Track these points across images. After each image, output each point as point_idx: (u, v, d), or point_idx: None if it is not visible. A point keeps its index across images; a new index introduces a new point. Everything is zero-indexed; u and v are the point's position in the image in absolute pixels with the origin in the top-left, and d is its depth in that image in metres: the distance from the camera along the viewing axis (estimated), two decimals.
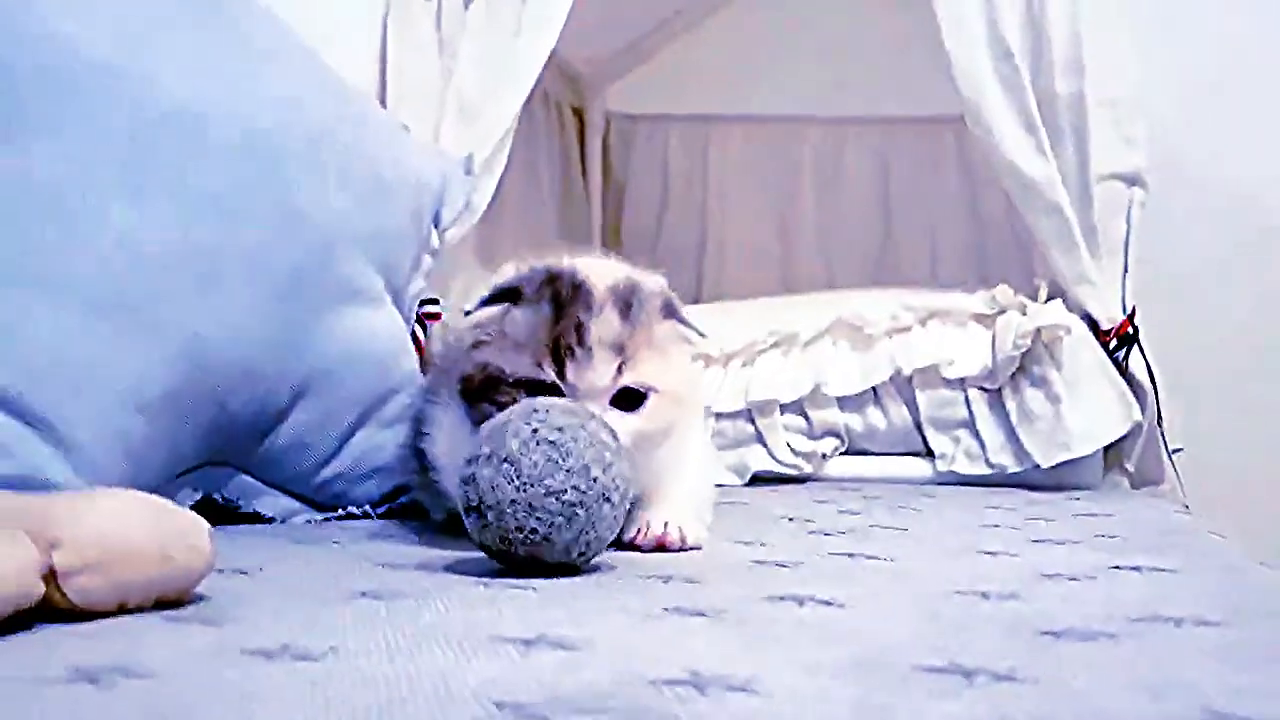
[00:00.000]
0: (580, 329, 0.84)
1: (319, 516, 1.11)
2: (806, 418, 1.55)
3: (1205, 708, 0.43)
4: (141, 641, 0.55)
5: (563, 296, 0.85)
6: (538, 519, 0.73)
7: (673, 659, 0.51)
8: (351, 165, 1.16)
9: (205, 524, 0.66)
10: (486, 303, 0.89)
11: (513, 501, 0.74)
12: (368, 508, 1.14)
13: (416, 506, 1.14)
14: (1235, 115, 2.10)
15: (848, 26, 2.25)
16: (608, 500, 0.75)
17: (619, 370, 0.85)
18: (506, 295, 0.88)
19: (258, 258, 1.00)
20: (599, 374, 0.84)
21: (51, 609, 0.59)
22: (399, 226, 1.27)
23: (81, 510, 0.60)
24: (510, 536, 0.74)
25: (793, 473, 1.54)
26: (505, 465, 0.74)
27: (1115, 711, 0.44)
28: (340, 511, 1.12)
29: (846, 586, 0.71)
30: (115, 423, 0.89)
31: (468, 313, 0.90)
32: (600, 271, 0.89)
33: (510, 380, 0.85)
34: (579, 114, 2.44)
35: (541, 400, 0.80)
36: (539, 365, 0.84)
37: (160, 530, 0.62)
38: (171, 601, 0.63)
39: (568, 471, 0.74)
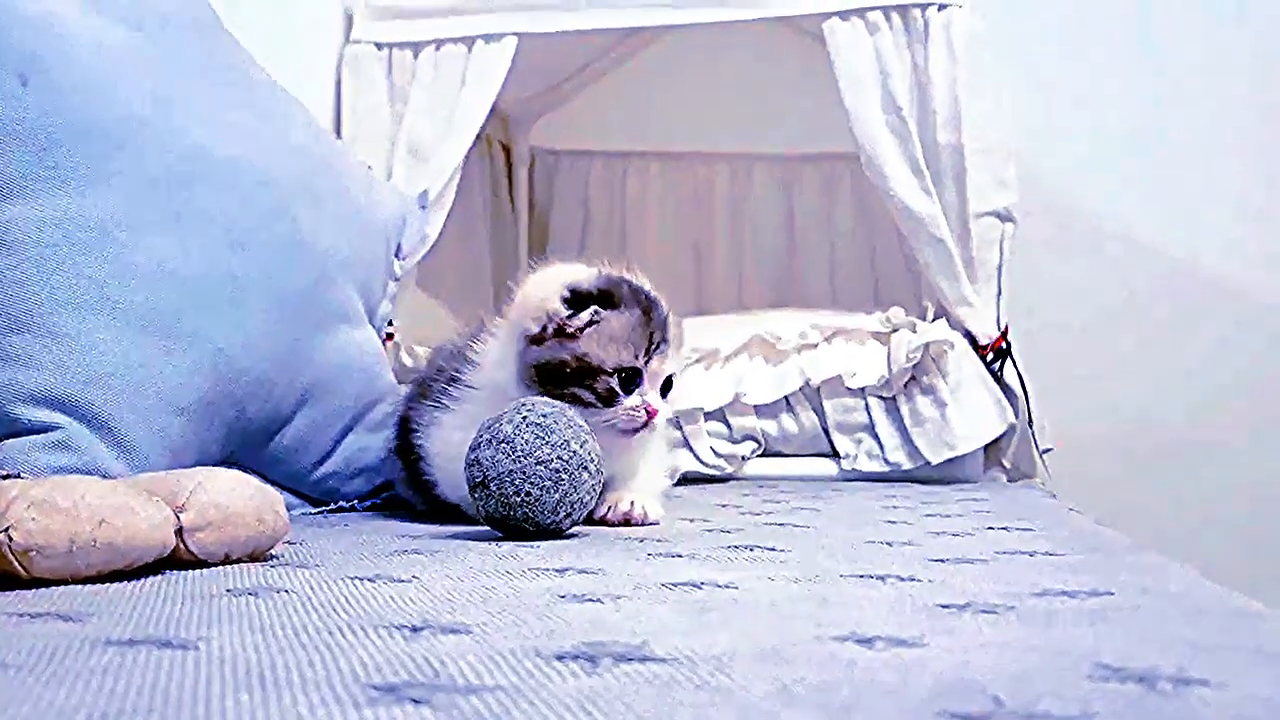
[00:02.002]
0: (664, 329, 1.06)
1: (313, 510, 1.27)
2: (727, 424, 1.70)
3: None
4: (266, 576, 0.71)
5: (644, 304, 1.06)
6: (531, 483, 0.91)
7: (672, 576, 0.70)
8: (340, 202, 1.33)
9: (282, 498, 0.83)
10: (576, 302, 1.04)
11: (510, 471, 0.92)
12: (355, 502, 1.30)
13: (396, 500, 1.31)
14: (1096, 161, 2.40)
15: (753, 72, 2.39)
16: (585, 469, 0.94)
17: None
18: (599, 299, 1.05)
19: (272, 283, 1.16)
20: (668, 363, 1.07)
21: (172, 560, 0.75)
22: (374, 256, 1.43)
23: (201, 482, 0.76)
24: (510, 500, 0.92)
25: (716, 473, 1.68)
26: (503, 445, 0.93)
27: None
28: (332, 505, 1.28)
29: (783, 540, 0.91)
30: (160, 424, 1.04)
31: (570, 315, 1.04)
32: (648, 286, 1.10)
33: (609, 369, 1.03)
34: (506, 149, 2.56)
35: (527, 399, 0.99)
36: (636, 356, 1.04)
37: (255, 501, 0.79)
38: (259, 557, 0.80)
39: (552, 445, 0.92)
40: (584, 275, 1.08)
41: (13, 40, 0.99)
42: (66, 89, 1.02)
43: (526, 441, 0.92)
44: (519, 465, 0.91)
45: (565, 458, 0.92)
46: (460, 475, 0.97)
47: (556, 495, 0.92)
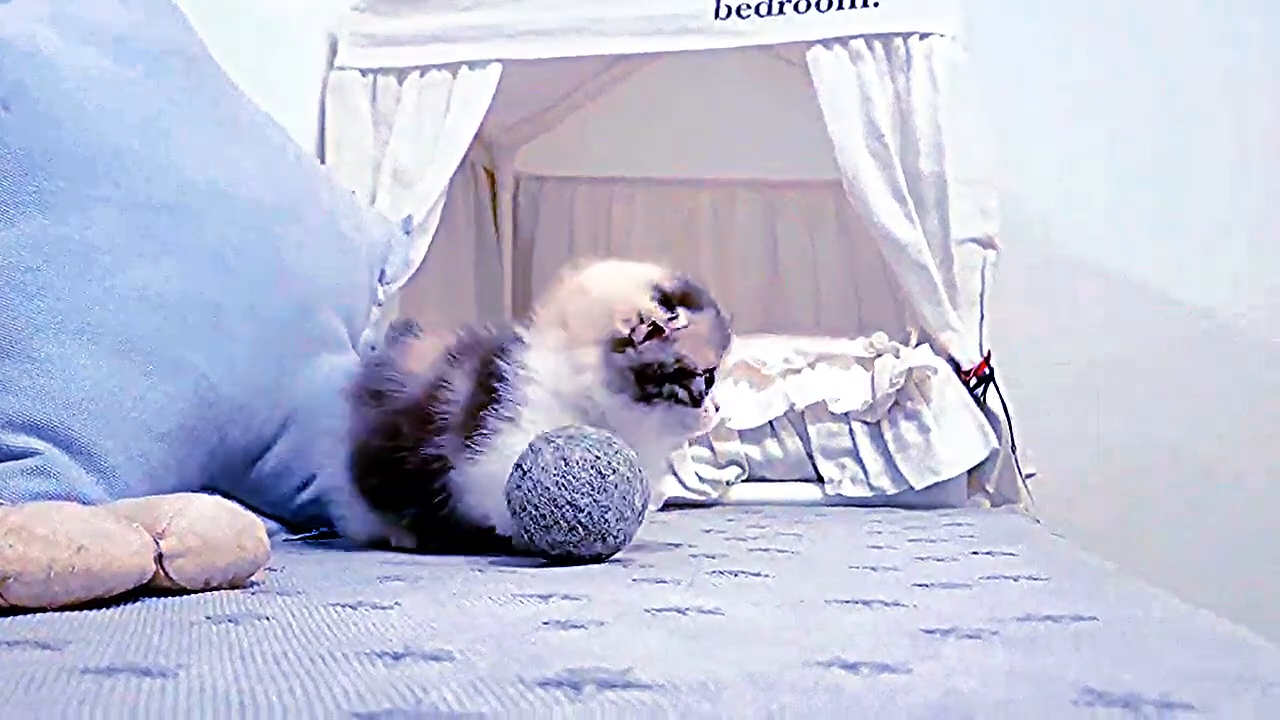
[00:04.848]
0: (729, 329, 1.06)
1: (295, 536, 1.26)
2: (712, 449, 1.71)
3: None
4: (246, 603, 0.71)
5: (715, 305, 1.05)
6: (609, 498, 0.91)
7: (657, 602, 0.69)
8: (324, 228, 1.33)
9: (263, 524, 0.82)
10: (664, 302, 1.01)
11: (610, 482, 0.91)
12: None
13: None
14: (1082, 190, 2.43)
15: (738, 99, 2.41)
16: (624, 513, 0.93)
17: None
18: (681, 300, 1.02)
19: (255, 309, 1.16)
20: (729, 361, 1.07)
21: (151, 587, 0.74)
22: (358, 281, 1.43)
23: (180, 509, 0.75)
24: (578, 487, 0.91)
25: (701, 498, 1.68)
26: (630, 460, 0.94)
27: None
28: (313, 531, 1.28)
29: (767, 566, 0.91)
30: (139, 450, 1.03)
31: (671, 317, 1.01)
32: None
33: (700, 371, 1.02)
34: (491, 175, 2.57)
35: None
36: (717, 356, 1.03)
37: (236, 527, 0.78)
38: (239, 584, 0.79)
39: (628, 464, 0.93)
40: (659, 275, 1.04)
41: None
42: (50, 115, 1.02)
43: (627, 480, 0.93)
44: (589, 455, 0.92)
45: (637, 509, 0.94)
46: (504, 503, 0.94)
47: (608, 502, 0.91)
